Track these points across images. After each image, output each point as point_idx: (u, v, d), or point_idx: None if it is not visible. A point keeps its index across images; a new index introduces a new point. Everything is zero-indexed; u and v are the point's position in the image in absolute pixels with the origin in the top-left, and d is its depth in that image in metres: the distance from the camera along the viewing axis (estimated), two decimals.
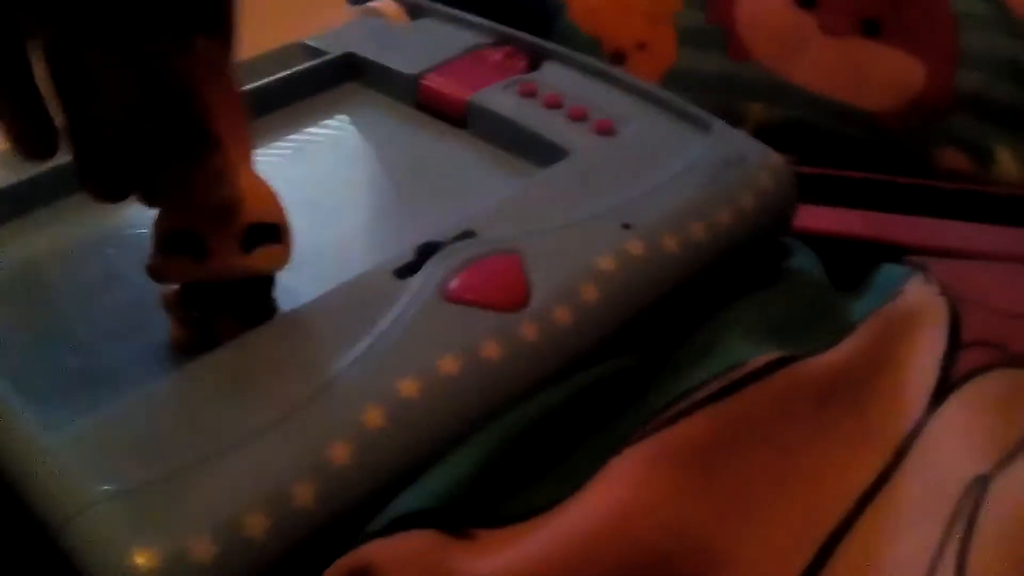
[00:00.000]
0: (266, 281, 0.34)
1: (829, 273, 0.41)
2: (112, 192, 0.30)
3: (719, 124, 0.42)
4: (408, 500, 0.30)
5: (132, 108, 0.28)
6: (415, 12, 0.51)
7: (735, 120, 0.56)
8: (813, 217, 0.46)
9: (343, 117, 0.46)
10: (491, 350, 0.33)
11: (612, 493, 0.32)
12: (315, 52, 0.48)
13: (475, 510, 0.31)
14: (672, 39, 0.63)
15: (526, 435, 0.32)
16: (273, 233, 0.32)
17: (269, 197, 0.32)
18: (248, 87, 0.44)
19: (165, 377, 0.32)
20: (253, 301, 0.33)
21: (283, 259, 0.33)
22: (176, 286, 0.33)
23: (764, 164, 0.40)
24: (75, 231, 0.39)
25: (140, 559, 0.26)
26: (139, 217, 0.34)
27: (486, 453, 0.32)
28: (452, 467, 0.31)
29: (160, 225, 0.31)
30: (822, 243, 0.43)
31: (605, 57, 0.61)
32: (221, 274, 0.32)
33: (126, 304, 0.36)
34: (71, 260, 0.38)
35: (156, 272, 0.32)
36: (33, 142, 0.31)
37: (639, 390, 0.35)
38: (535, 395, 0.33)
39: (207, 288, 0.33)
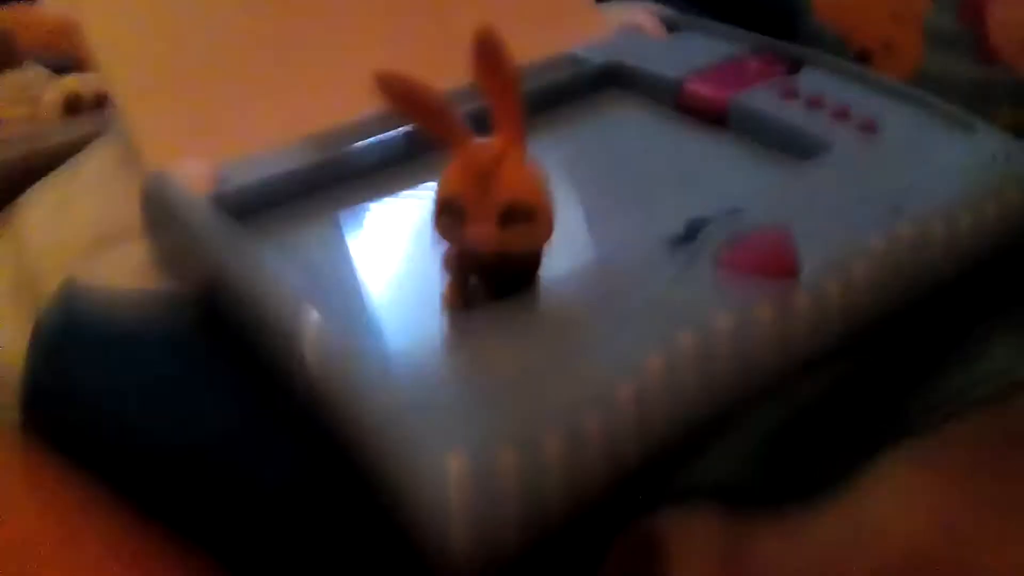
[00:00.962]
0: (522, 259, 0.35)
1: None
2: None
3: (982, 124, 0.42)
4: (699, 473, 0.31)
5: None
6: (672, 25, 0.54)
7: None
8: None
9: (606, 120, 0.49)
10: (764, 312, 0.34)
11: (892, 494, 0.32)
12: (581, 62, 0.51)
13: (760, 492, 0.32)
14: (919, 40, 0.63)
15: (802, 418, 0.33)
16: (526, 214, 0.34)
17: (530, 180, 0.34)
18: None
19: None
20: (509, 275, 0.35)
21: (536, 240, 0.35)
22: (455, 249, 0.36)
23: None
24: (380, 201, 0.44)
25: (453, 461, 0.29)
26: None
27: (769, 432, 0.33)
28: (738, 444, 0.32)
29: (437, 189, 0.34)
30: None
31: (850, 57, 0.61)
32: (476, 244, 0.34)
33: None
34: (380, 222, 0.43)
35: (437, 230, 0.35)
36: None
37: (909, 383, 0.36)
38: (804, 379, 0.34)
39: (474, 256, 0.35)
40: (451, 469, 0.29)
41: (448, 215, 0.34)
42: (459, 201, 0.34)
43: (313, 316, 0.34)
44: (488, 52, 0.33)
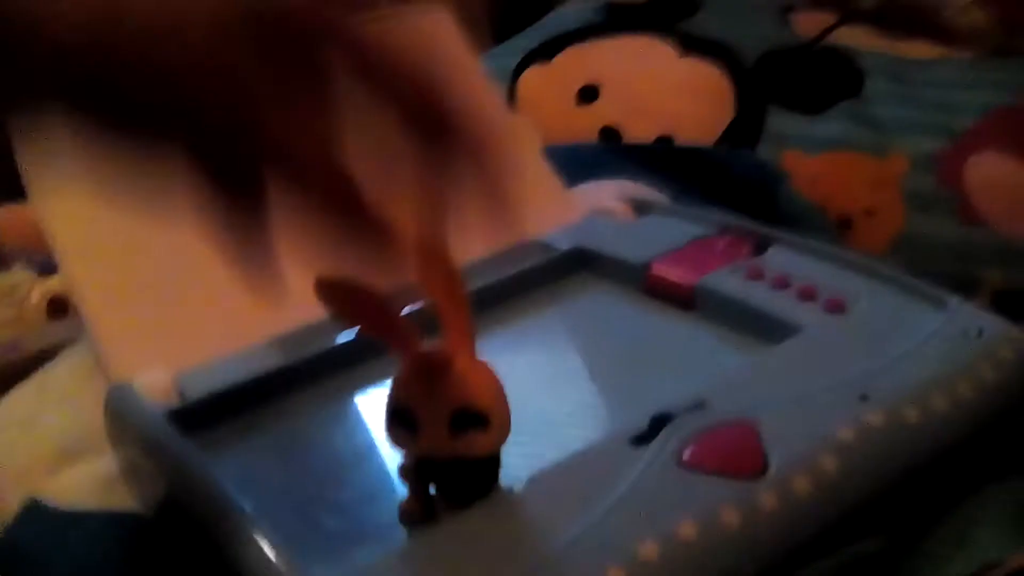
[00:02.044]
0: (478, 465, 0.34)
1: None
2: None
3: (953, 299, 0.41)
4: None
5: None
6: (641, 209, 0.54)
7: (971, 286, 0.55)
8: None
9: (574, 304, 0.49)
10: (730, 517, 0.33)
11: None
12: (548, 248, 0.51)
13: None
14: (900, 204, 0.63)
15: None
16: (481, 420, 0.33)
17: (482, 384, 0.33)
18: (489, 280, 0.48)
19: (413, 536, 0.33)
20: (467, 482, 0.34)
21: (488, 446, 0.33)
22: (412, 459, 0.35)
23: (1005, 337, 0.39)
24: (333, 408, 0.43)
25: None
26: None
27: None
28: None
29: (389, 397, 0.34)
30: None
31: (831, 224, 0.61)
32: (431, 451, 0.33)
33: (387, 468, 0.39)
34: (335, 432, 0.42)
35: (391, 439, 0.35)
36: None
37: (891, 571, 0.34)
38: None
39: (430, 464, 0.34)
40: None
41: (400, 425, 0.33)
42: (410, 409, 0.33)
43: (262, 544, 0.33)
44: (430, 255, 0.32)
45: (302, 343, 0.44)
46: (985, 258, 0.61)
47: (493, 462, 0.34)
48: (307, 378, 0.44)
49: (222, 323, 0.43)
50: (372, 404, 0.43)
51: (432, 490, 0.35)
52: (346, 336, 0.45)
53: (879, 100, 0.72)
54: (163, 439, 0.39)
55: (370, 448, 0.41)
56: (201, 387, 0.42)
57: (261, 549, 0.33)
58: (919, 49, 0.82)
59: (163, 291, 0.45)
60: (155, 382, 0.42)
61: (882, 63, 0.78)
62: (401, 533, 0.35)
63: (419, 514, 0.35)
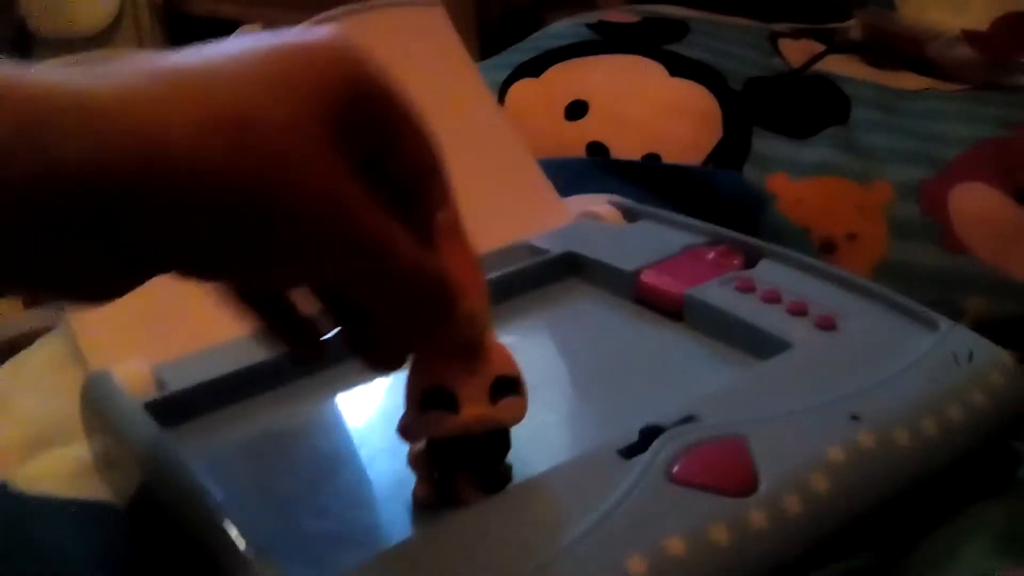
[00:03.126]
0: (505, 438, 0.35)
1: None
2: (388, 365, 0.33)
3: (945, 321, 0.41)
4: None
5: (398, 308, 0.30)
6: (631, 215, 0.54)
7: (954, 314, 0.55)
8: None
9: (563, 310, 0.48)
10: (719, 534, 0.32)
11: None
12: (538, 251, 0.51)
13: None
14: (884, 230, 0.63)
15: None
16: (514, 385, 0.34)
17: (507, 351, 0.34)
18: None
19: (397, 543, 0.33)
20: (492, 459, 0.35)
21: (523, 410, 0.34)
22: (423, 445, 0.35)
23: (995, 362, 0.39)
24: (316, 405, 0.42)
25: None
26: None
27: None
28: None
29: (414, 384, 0.33)
30: None
31: (814, 247, 0.61)
32: (471, 426, 0.33)
33: (367, 470, 0.38)
34: (316, 431, 0.41)
35: (408, 431, 0.34)
36: (299, 348, 0.35)
37: None
38: None
39: (452, 445, 0.34)
40: None
41: (435, 407, 0.33)
42: (447, 387, 0.33)
43: (238, 542, 0.32)
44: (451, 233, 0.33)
45: None
46: (967, 287, 0.61)
47: (506, 440, 0.35)
48: (290, 374, 0.43)
49: (204, 315, 0.42)
50: (354, 402, 0.42)
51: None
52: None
53: (865, 128, 0.73)
54: (140, 430, 0.38)
55: (351, 448, 0.40)
56: (181, 379, 0.41)
57: (236, 547, 0.32)
58: (906, 80, 0.82)
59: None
60: (134, 372, 0.41)
61: (869, 92, 0.78)
62: (380, 539, 0.35)
63: (434, 498, 0.35)
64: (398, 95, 0.30)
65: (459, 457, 0.34)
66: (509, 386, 0.33)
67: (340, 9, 0.54)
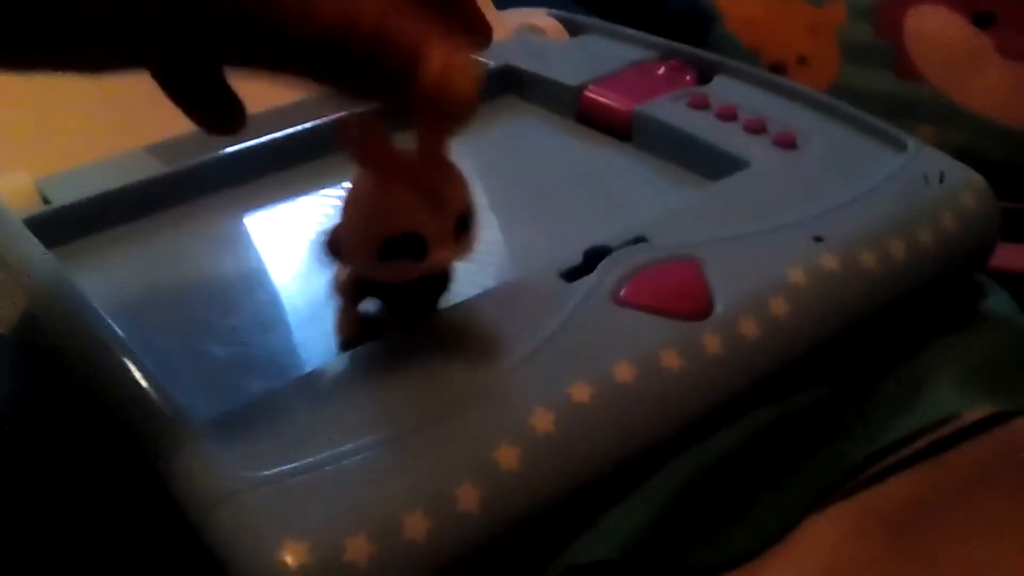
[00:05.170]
0: (449, 275, 0.31)
1: None
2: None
3: (913, 141, 0.38)
4: (588, 548, 0.27)
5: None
6: (574, 29, 0.49)
7: None
8: (999, 254, 0.42)
9: (502, 128, 0.44)
10: (670, 359, 0.29)
11: (815, 557, 0.29)
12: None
13: (659, 562, 0.28)
14: (835, 53, 0.60)
15: (707, 478, 0.29)
16: (470, 219, 0.29)
17: (464, 178, 0.29)
18: None
19: (315, 367, 0.29)
20: (436, 296, 0.31)
21: (475, 242, 0.30)
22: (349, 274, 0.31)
23: (967, 184, 0.37)
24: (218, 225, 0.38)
25: (288, 555, 0.23)
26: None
27: (667, 497, 0.29)
28: (632, 512, 0.28)
29: (372, 232, 0.28)
30: (1010, 282, 0.39)
31: (764, 69, 0.58)
32: (432, 270, 0.29)
33: (279, 295, 0.34)
34: (219, 253, 0.37)
35: (348, 287, 0.30)
36: (222, 121, 0.30)
37: (830, 430, 0.32)
38: (715, 430, 0.30)
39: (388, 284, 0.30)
40: (286, 565, 0.23)
41: (401, 254, 0.28)
42: (418, 235, 0.28)
43: (133, 371, 0.28)
44: None
45: (184, 151, 0.39)
46: (917, 114, 0.59)
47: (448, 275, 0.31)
48: (189, 190, 0.38)
49: (92, 127, 0.37)
50: (263, 223, 0.38)
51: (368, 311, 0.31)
52: (232, 146, 0.39)
53: None
54: (23, 249, 0.33)
55: (259, 271, 0.36)
56: (67, 194, 0.37)
57: (133, 376, 0.28)
58: None
59: (27, 91, 0.39)
60: (15, 185, 0.36)
61: None
62: (291, 366, 0.31)
63: (358, 332, 0.31)
64: None
65: (398, 295, 0.30)
66: (469, 220, 0.29)
67: None
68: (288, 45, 0.24)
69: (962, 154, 0.57)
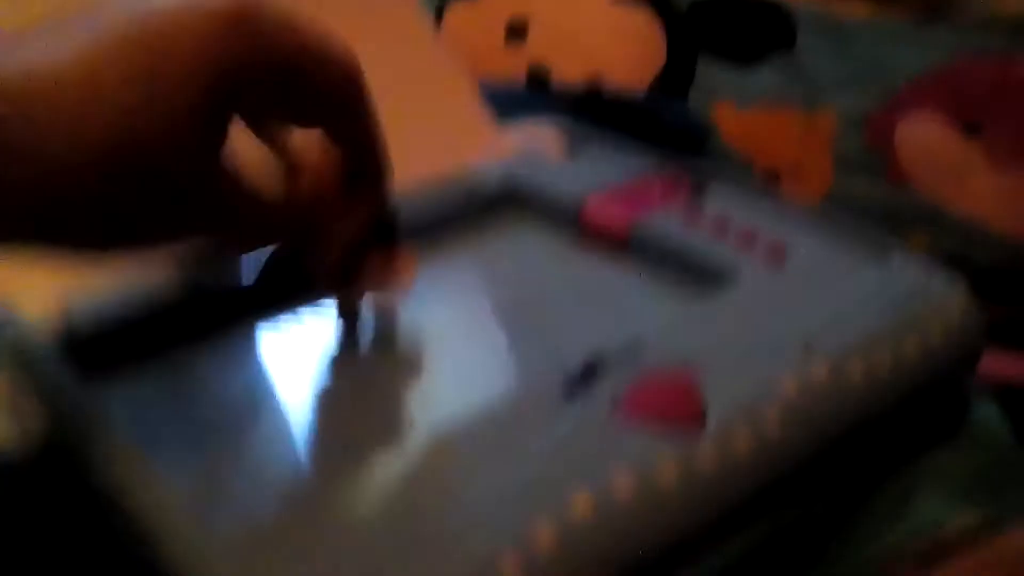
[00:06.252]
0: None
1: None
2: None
3: (899, 250, 0.40)
4: None
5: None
6: (575, 146, 0.51)
7: None
8: (989, 361, 0.43)
9: (504, 241, 0.46)
10: (668, 469, 0.30)
11: None
12: (479, 181, 0.48)
13: None
14: (828, 161, 0.62)
15: None
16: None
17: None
18: (414, 215, 0.44)
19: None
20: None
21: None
22: None
23: (951, 294, 0.38)
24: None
25: None
26: None
27: None
28: None
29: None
30: (1001, 391, 0.41)
31: (758, 179, 0.60)
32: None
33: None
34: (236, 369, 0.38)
35: None
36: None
37: (820, 544, 0.33)
38: (710, 540, 0.31)
39: None
40: None
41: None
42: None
43: (160, 490, 0.30)
44: None
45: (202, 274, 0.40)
46: (911, 221, 0.61)
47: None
48: (221, 316, 0.40)
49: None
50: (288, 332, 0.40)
51: None
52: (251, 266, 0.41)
53: (811, 55, 0.71)
54: (50, 369, 0.35)
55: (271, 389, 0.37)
56: (96, 313, 0.38)
57: (159, 495, 0.29)
58: (853, 8, 0.81)
59: None
60: (41, 302, 0.38)
61: (816, 18, 0.76)
62: (307, 491, 0.32)
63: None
64: (294, 39, 0.29)
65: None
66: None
67: None
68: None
69: (955, 260, 0.59)
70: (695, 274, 0.41)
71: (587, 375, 0.34)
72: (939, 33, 0.73)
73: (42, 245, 0.28)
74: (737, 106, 0.67)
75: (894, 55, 0.70)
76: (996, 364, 0.45)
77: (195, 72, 0.27)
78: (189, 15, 0.27)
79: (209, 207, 0.30)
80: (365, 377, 0.36)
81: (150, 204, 0.28)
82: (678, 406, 0.32)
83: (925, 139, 0.64)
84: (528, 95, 0.71)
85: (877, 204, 0.62)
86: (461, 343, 0.38)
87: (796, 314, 0.36)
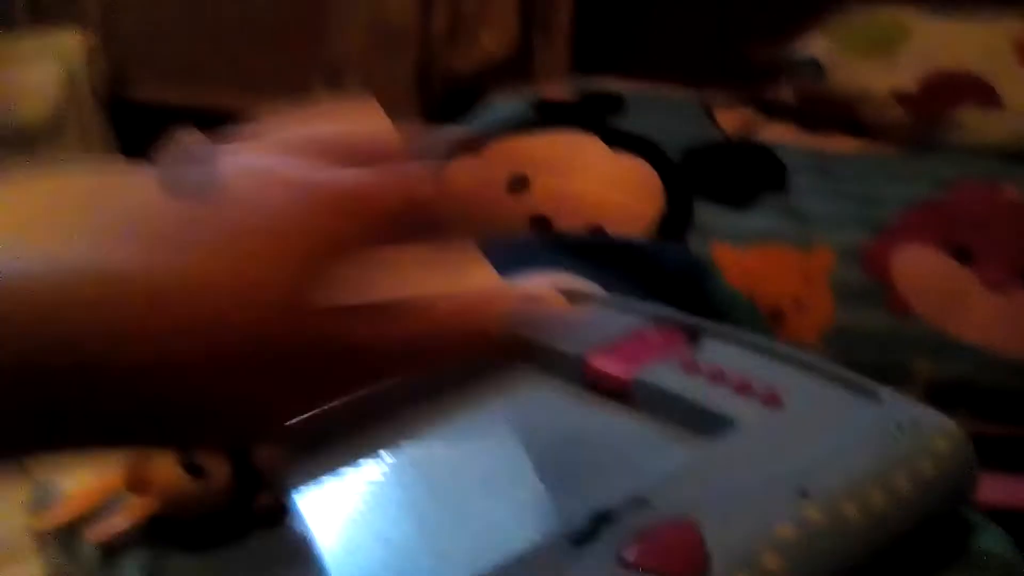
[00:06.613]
0: None
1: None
2: None
3: (887, 391, 0.42)
4: None
5: None
6: (575, 301, 0.54)
7: (904, 376, 0.56)
8: (994, 487, 0.44)
9: (510, 396, 0.48)
10: None
11: None
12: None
13: None
14: (829, 295, 0.64)
15: None
16: None
17: None
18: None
19: None
20: None
21: None
22: None
23: (939, 429, 0.40)
24: None
25: None
26: None
27: None
28: None
29: None
30: (1008, 517, 0.42)
31: (761, 317, 0.62)
32: None
33: None
34: None
35: None
36: None
37: None
38: None
39: None
40: None
41: None
42: None
43: None
44: None
45: None
46: (914, 349, 0.62)
47: None
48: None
49: None
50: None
51: None
52: None
53: (803, 194, 0.74)
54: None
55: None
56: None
57: None
58: (840, 143, 0.85)
59: None
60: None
61: (805, 157, 0.80)
62: None
63: None
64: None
65: None
66: None
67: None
68: None
69: (959, 384, 0.61)
70: (695, 423, 0.43)
71: (594, 529, 0.35)
72: (924, 164, 0.77)
73: None
74: (734, 247, 0.70)
75: (883, 188, 0.73)
76: (1000, 488, 0.46)
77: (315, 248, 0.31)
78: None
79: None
80: (377, 529, 0.38)
81: None
82: (682, 558, 0.34)
83: (921, 268, 0.66)
84: (534, 243, 0.73)
85: (880, 334, 0.64)
86: (474, 495, 0.40)
87: (791, 459, 0.38)
